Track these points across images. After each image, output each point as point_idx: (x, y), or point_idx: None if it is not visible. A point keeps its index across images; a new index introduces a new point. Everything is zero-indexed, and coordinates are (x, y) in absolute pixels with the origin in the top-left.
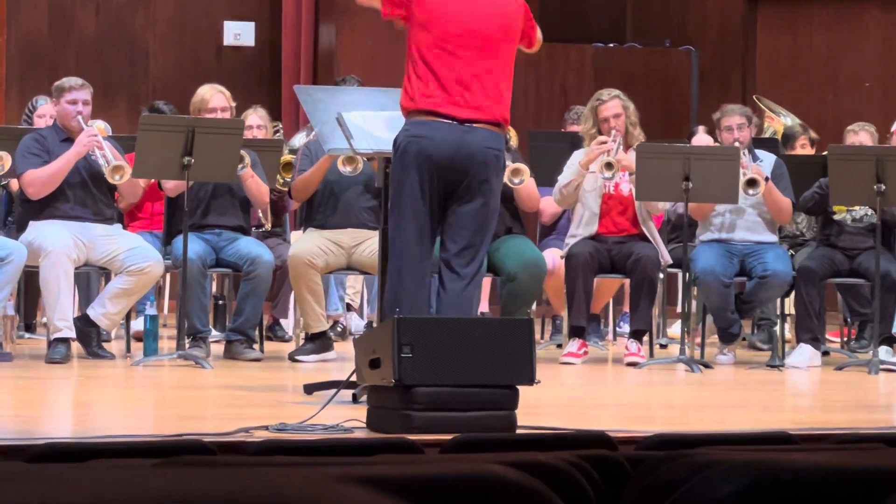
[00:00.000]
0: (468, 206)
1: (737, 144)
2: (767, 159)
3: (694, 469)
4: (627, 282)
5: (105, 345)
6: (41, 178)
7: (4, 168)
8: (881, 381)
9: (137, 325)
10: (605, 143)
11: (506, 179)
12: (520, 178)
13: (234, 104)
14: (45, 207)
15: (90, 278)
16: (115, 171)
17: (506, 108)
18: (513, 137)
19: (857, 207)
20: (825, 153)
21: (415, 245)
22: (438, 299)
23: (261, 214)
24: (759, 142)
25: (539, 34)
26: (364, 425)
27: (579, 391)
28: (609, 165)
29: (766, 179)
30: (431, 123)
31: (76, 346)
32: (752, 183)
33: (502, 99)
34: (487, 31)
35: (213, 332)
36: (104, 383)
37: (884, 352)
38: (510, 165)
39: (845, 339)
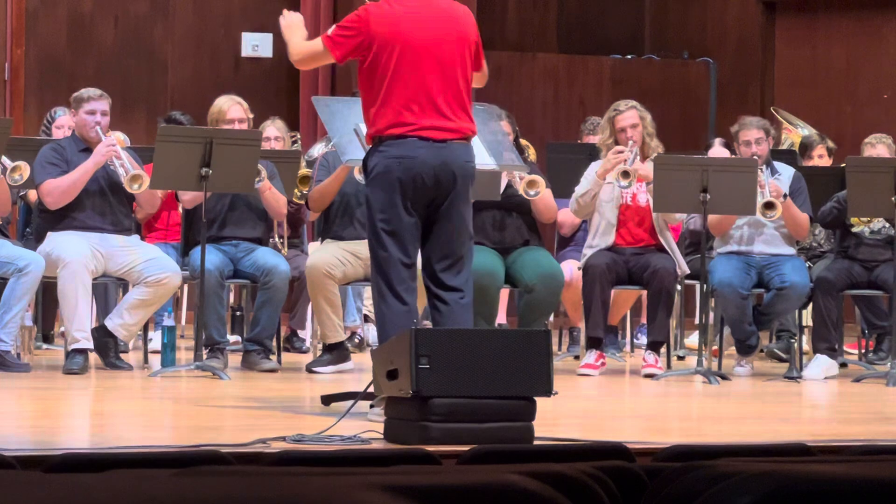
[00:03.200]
0: (450, 220)
1: (755, 159)
2: (786, 172)
3: (711, 480)
4: (645, 293)
5: (123, 355)
6: (60, 188)
7: (23, 178)
8: None
9: (155, 343)
10: (621, 152)
11: (521, 192)
12: (535, 191)
13: (251, 115)
14: (63, 218)
15: (108, 289)
16: (134, 180)
17: (472, 121)
18: (530, 151)
19: (875, 220)
20: (843, 165)
21: (403, 267)
22: (440, 316)
23: (276, 240)
24: (776, 153)
25: (486, 68)
26: (381, 436)
27: (596, 402)
28: (626, 174)
29: (785, 196)
30: (409, 143)
31: (94, 357)
32: (769, 206)
33: (468, 112)
34: (445, 44)
35: (231, 339)
36: (121, 394)
37: None
38: (525, 177)
39: (863, 351)
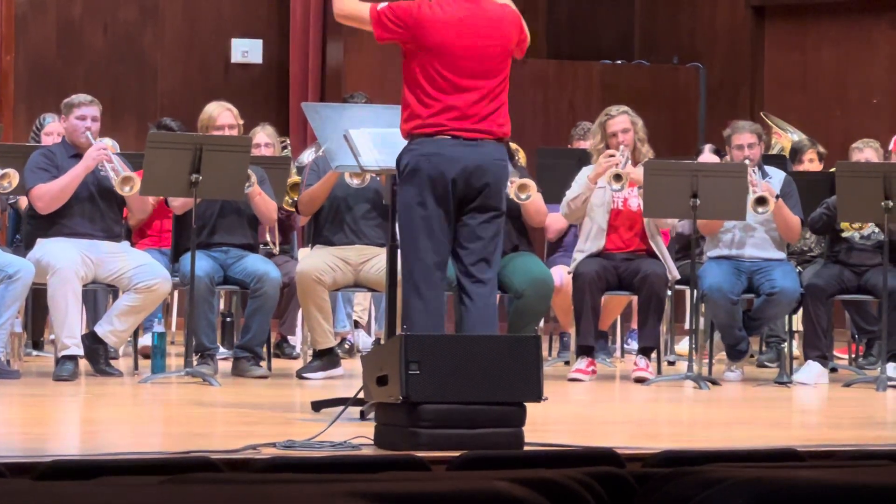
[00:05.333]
0: (481, 217)
1: (747, 163)
2: (777, 176)
3: (701, 485)
4: (635, 299)
5: (113, 362)
6: (50, 193)
7: (12, 185)
8: (889, 398)
9: (145, 339)
10: (613, 156)
11: (512, 195)
12: (526, 194)
13: (241, 122)
14: (53, 224)
15: (98, 296)
16: (125, 182)
17: (507, 123)
18: (521, 155)
19: (866, 226)
20: (833, 170)
21: (432, 263)
22: (466, 311)
23: (268, 237)
24: (766, 158)
25: (528, 38)
26: (372, 442)
27: (587, 408)
28: (618, 177)
29: (777, 197)
30: (440, 141)
31: (84, 364)
32: (761, 201)
33: (503, 115)
34: (487, 49)
35: (221, 350)
36: (112, 400)
37: (892, 369)
38: (516, 181)
39: (853, 355)
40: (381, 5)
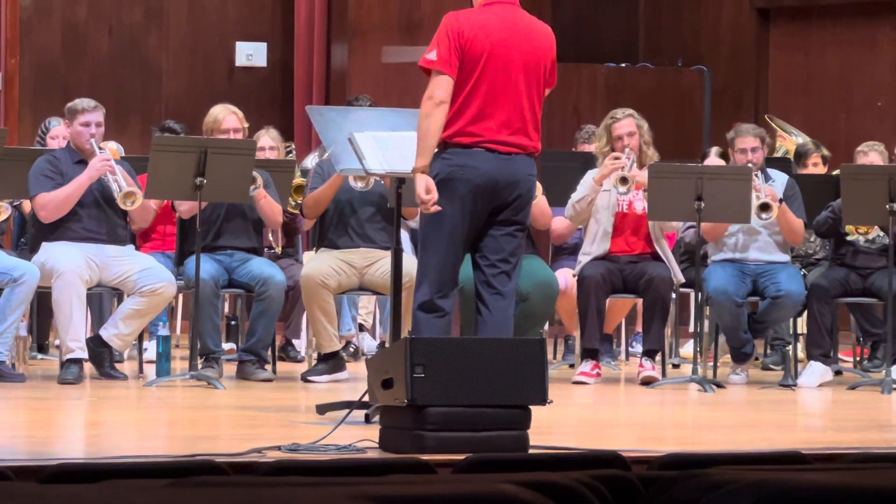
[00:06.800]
0: (506, 229)
1: (749, 167)
2: (780, 179)
3: (706, 488)
4: (640, 302)
5: (118, 365)
6: (54, 202)
7: (1, 217)
8: (894, 401)
9: (150, 353)
10: (618, 158)
11: None
12: None
13: (246, 125)
14: (58, 228)
15: (103, 299)
16: (127, 197)
17: (539, 138)
18: None
19: (871, 231)
20: (837, 172)
21: (450, 275)
22: (482, 321)
23: (271, 238)
24: (770, 161)
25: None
26: (377, 445)
27: (592, 411)
28: (624, 180)
29: (780, 202)
30: (474, 153)
31: (89, 367)
32: (764, 207)
33: (538, 129)
34: (527, 63)
35: (226, 346)
36: (117, 404)
37: None
38: None
39: (858, 358)
40: (430, 56)
